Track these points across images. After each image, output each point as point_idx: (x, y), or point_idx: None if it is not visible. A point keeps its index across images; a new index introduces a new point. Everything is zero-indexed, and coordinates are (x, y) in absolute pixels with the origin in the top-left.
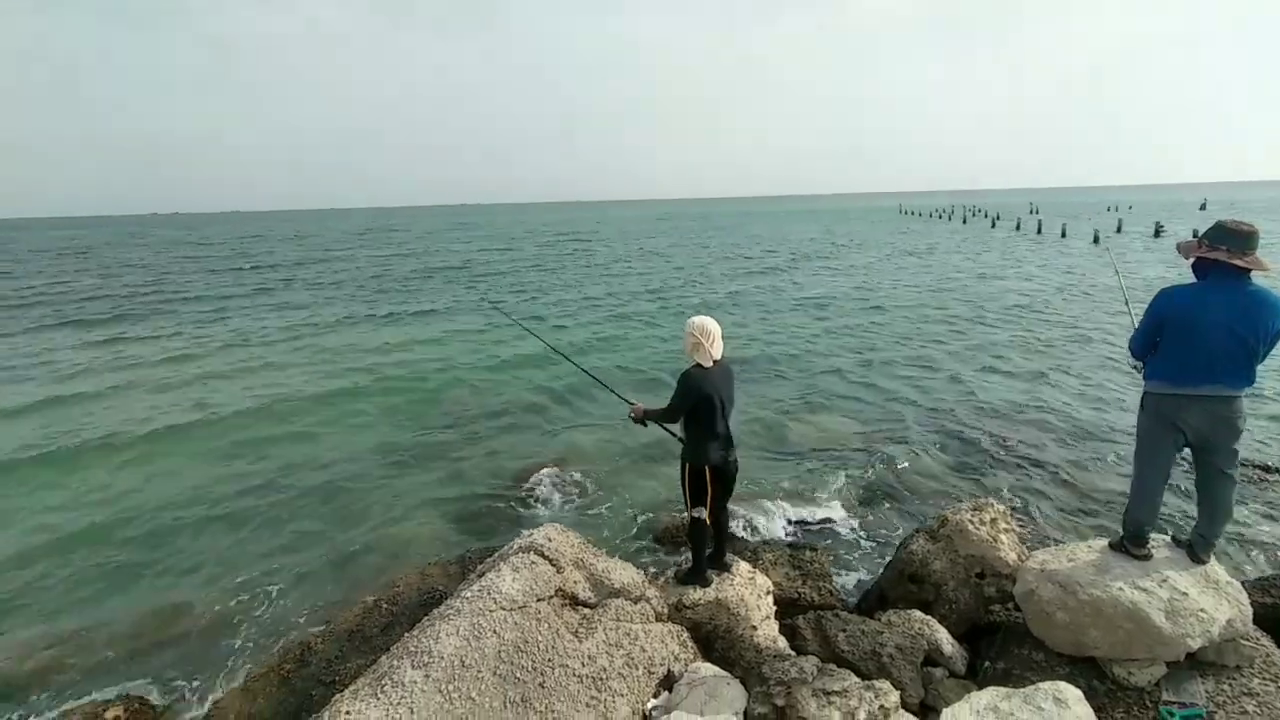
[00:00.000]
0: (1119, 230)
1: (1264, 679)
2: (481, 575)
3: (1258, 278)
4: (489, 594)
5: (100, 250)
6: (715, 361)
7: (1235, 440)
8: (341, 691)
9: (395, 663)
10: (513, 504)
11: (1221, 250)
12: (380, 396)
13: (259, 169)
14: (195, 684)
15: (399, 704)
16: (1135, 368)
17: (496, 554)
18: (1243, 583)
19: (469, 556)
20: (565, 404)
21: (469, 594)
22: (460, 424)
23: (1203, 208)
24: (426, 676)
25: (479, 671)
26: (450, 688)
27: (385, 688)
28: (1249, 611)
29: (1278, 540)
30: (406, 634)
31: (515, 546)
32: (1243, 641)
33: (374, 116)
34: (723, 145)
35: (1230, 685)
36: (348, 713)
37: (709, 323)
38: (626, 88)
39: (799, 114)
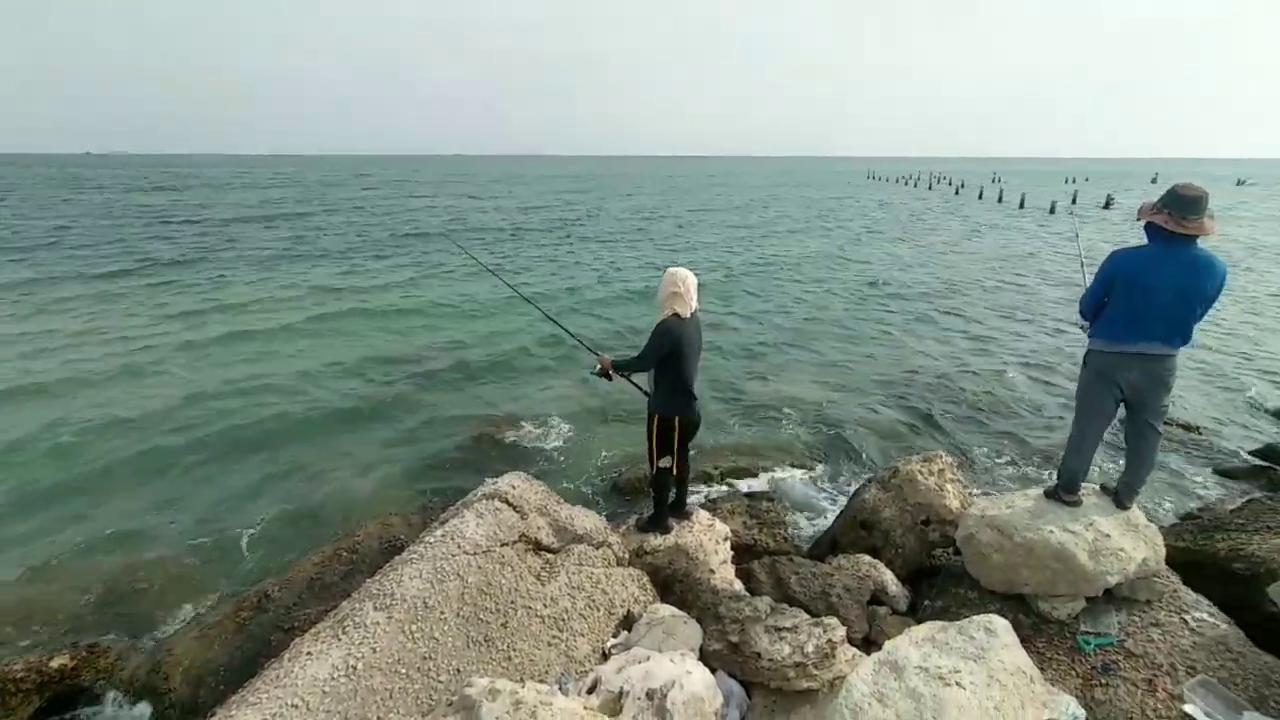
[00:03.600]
0: (1074, 202)
1: (1169, 611)
2: (444, 522)
3: (1203, 240)
4: (452, 539)
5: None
6: (691, 313)
7: (1166, 397)
8: (302, 635)
9: (358, 606)
10: (474, 456)
11: (1164, 214)
12: (344, 341)
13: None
14: (147, 634)
15: (361, 644)
16: (1082, 328)
17: (460, 501)
18: (1159, 527)
19: (430, 506)
20: (533, 356)
21: (432, 539)
22: (423, 374)
23: (1154, 180)
24: (389, 618)
25: (442, 613)
26: (413, 628)
27: (348, 629)
28: (1162, 552)
29: (1191, 489)
30: (369, 579)
31: (479, 494)
32: (1154, 579)
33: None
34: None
35: (1140, 617)
36: (309, 653)
37: (689, 274)
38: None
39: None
